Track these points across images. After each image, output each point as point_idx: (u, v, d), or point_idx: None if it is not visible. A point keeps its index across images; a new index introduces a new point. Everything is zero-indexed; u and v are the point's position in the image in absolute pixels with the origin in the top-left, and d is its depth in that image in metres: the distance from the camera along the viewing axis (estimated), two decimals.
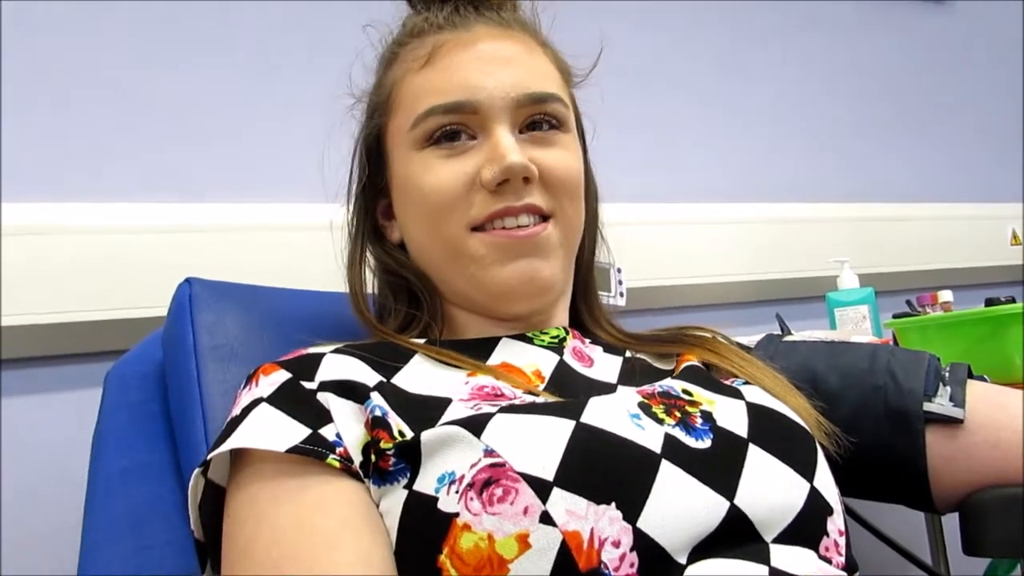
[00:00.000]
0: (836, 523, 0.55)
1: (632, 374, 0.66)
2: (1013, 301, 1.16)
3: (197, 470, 0.56)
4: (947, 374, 0.69)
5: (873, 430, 0.67)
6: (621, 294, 1.13)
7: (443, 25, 0.68)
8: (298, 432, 0.53)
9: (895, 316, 1.26)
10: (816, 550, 0.53)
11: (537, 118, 0.66)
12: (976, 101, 1.96)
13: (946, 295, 1.28)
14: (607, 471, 0.50)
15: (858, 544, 0.62)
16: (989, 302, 1.19)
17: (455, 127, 0.64)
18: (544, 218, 0.65)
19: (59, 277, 0.92)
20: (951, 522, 0.69)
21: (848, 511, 0.60)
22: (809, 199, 1.62)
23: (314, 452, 0.52)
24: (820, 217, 1.59)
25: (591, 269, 0.77)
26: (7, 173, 0.96)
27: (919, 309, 1.30)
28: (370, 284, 0.74)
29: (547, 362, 0.65)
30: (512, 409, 0.54)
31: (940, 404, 0.66)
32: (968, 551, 0.64)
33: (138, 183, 1.03)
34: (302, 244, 1.00)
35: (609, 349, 0.70)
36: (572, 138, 0.69)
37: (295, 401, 0.56)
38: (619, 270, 1.13)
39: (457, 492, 0.49)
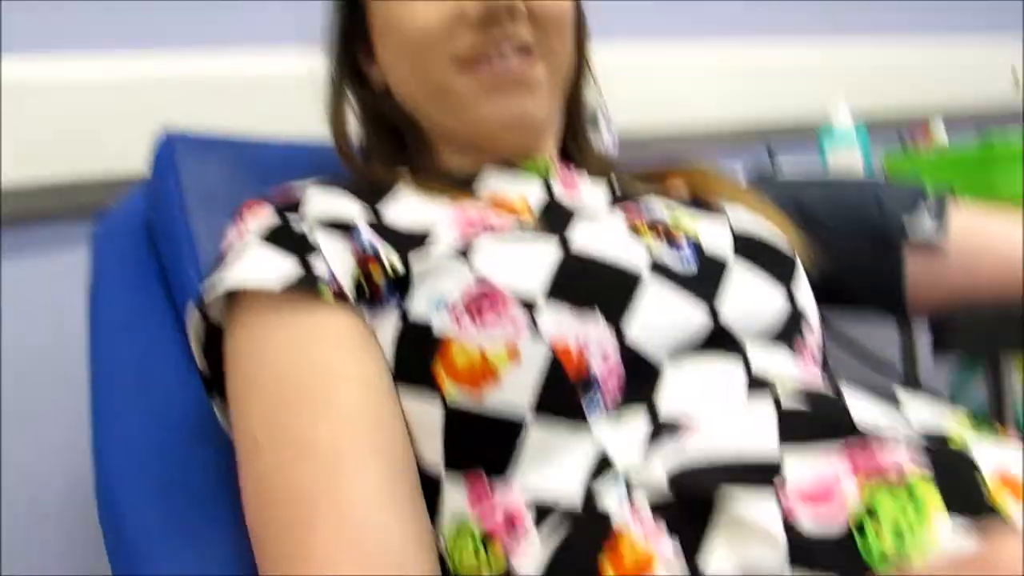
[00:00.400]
0: (814, 335, 0.58)
1: (618, 198, 0.66)
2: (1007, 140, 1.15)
3: (194, 309, 0.57)
4: (931, 201, 0.70)
5: (856, 254, 0.69)
6: (610, 134, 1.11)
7: None
8: (289, 267, 0.54)
9: (887, 153, 1.25)
10: (792, 357, 0.55)
11: None
12: None
13: (937, 126, 1.27)
14: (593, 287, 0.52)
15: (834, 363, 0.65)
16: (983, 140, 1.18)
17: None
18: (531, 54, 0.63)
19: (27, 137, 0.88)
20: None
21: (824, 324, 0.62)
22: (802, 32, 1.56)
23: (306, 286, 0.53)
24: (813, 53, 1.54)
25: (579, 105, 0.75)
26: None
27: (911, 143, 1.29)
28: (355, 136, 0.73)
29: (534, 189, 0.65)
30: (500, 235, 0.55)
31: (922, 230, 0.68)
32: (937, 350, 0.68)
33: (107, 31, 0.98)
34: (283, 93, 0.97)
35: (595, 175, 0.70)
36: None
37: (284, 236, 0.56)
38: (606, 112, 1.11)
39: (448, 313, 0.51)
